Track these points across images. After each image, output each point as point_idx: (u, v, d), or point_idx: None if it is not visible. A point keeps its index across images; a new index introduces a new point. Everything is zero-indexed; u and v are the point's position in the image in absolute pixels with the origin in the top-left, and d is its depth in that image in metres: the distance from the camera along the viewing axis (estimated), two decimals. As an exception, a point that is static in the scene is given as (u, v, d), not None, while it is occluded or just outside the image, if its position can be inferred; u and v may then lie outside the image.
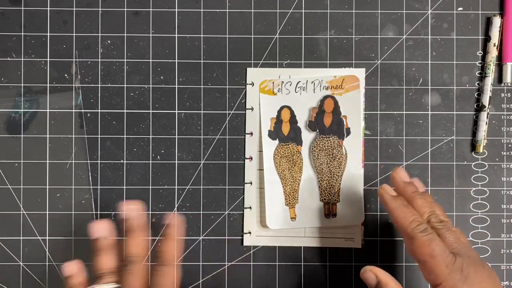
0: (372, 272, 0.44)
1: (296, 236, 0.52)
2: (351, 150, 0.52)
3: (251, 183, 0.52)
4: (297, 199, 0.52)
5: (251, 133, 0.52)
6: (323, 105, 0.52)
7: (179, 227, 0.46)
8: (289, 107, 0.52)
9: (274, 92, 0.52)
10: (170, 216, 0.47)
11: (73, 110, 0.52)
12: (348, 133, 0.52)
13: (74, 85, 0.52)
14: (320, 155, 0.52)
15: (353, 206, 0.52)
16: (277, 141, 0.52)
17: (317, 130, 0.52)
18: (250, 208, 0.52)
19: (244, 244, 0.52)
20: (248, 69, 0.52)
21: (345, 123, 0.52)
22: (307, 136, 0.52)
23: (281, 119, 0.52)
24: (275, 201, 0.52)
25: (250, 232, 0.52)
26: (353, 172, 0.52)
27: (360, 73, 0.51)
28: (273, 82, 0.52)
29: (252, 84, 0.52)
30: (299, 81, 0.51)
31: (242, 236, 0.52)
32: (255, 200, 0.52)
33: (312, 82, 0.51)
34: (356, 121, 0.52)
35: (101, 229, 0.46)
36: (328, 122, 0.52)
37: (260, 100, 0.52)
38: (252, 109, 0.52)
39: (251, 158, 0.52)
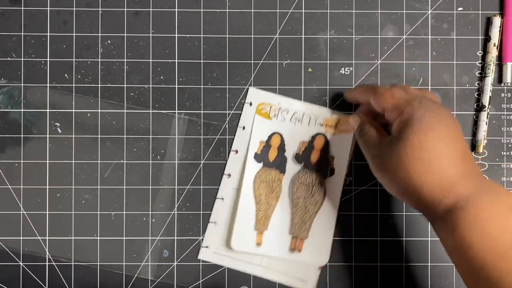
0: (357, 115, 0.48)
1: (253, 264, 0.51)
2: (330, 191, 0.51)
3: (223, 199, 0.51)
4: (267, 226, 0.51)
5: (236, 151, 0.52)
6: (313, 141, 0.51)
7: None
8: (280, 135, 0.51)
9: (270, 116, 0.51)
10: None
11: (73, 110, 0.52)
12: (332, 173, 0.51)
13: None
14: (300, 189, 0.51)
15: (320, 246, 0.51)
16: (261, 165, 0.51)
17: (303, 164, 0.51)
18: (215, 223, 0.51)
19: (199, 257, 0.52)
20: (250, 88, 0.52)
21: (331, 163, 0.51)
22: (292, 167, 0.51)
23: (270, 144, 0.51)
24: (245, 223, 0.51)
25: (207, 247, 0.51)
26: (328, 213, 0.51)
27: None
28: (271, 107, 0.51)
29: (250, 103, 0.52)
30: (296, 112, 0.51)
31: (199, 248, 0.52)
32: (222, 217, 0.51)
33: (309, 115, 0.51)
34: (341, 165, 0.51)
35: None
36: (315, 159, 0.51)
37: (254, 121, 0.52)
38: (244, 128, 0.52)
39: (229, 175, 0.51)
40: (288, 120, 0.51)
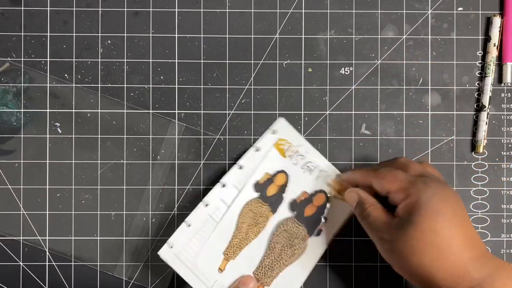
0: (354, 192, 0.46)
1: (205, 285, 0.48)
2: (310, 250, 0.49)
3: (207, 205, 0.49)
4: (235, 256, 0.49)
5: (241, 167, 0.50)
6: (314, 195, 0.50)
7: None
8: (287, 176, 0.50)
9: (285, 154, 0.50)
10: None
11: (73, 110, 0.52)
12: (318, 234, 0.50)
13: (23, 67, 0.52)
14: (282, 235, 0.49)
15: None
16: (257, 195, 0.50)
17: (295, 212, 0.50)
18: (190, 225, 0.49)
19: (159, 252, 0.48)
20: (280, 118, 0.51)
21: (321, 224, 0.50)
22: (283, 211, 0.50)
23: (273, 180, 0.50)
24: (217, 242, 0.49)
25: (172, 247, 0.48)
26: (300, 270, 0.49)
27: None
28: (289, 146, 0.50)
29: (273, 132, 0.51)
30: (310, 162, 0.50)
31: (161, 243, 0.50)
32: (198, 222, 0.49)
33: (320, 170, 0.50)
34: (331, 229, 0.50)
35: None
36: (309, 213, 0.50)
37: (270, 152, 0.50)
38: (257, 150, 0.50)
39: (224, 185, 0.50)
40: (300, 165, 0.50)
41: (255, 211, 0.50)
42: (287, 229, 0.50)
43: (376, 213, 0.44)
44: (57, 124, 0.52)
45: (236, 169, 0.50)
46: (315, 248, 0.50)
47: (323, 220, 0.50)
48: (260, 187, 0.50)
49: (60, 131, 0.52)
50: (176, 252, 0.48)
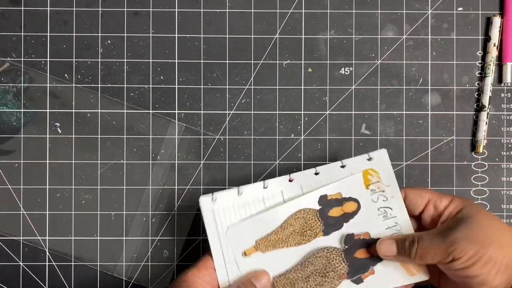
0: (391, 239, 0.44)
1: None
2: None
3: (265, 188, 0.46)
4: (263, 251, 0.45)
5: (317, 173, 0.46)
6: (374, 242, 0.45)
7: None
8: (359, 207, 0.46)
9: (368, 187, 0.46)
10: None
11: (73, 110, 0.52)
12: (357, 282, 0.45)
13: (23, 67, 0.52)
14: (320, 260, 0.45)
15: None
16: (317, 208, 0.46)
17: (346, 247, 0.45)
18: (240, 194, 0.45)
19: (200, 198, 0.45)
20: (383, 149, 0.47)
21: (366, 273, 0.45)
22: (335, 239, 0.45)
23: (342, 203, 0.46)
24: (255, 228, 0.45)
25: (214, 201, 0.45)
26: None
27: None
28: (378, 181, 0.46)
29: (370, 158, 0.46)
30: (390, 208, 0.46)
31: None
32: (250, 197, 0.46)
33: (396, 223, 0.46)
34: (374, 283, 0.45)
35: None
36: (359, 256, 0.45)
37: (354, 177, 0.46)
38: (342, 166, 0.47)
39: (290, 180, 0.46)
40: (377, 206, 0.46)
41: (307, 221, 0.46)
42: (328, 258, 0.45)
43: (419, 235, 0.42)
44: (57, 124, 0.52)
45: (310, 172, 0.46)
46: None
47: (370, 270, 0.45)
48: (325, 202, 0.46)
49: (60, 131, 0.52)
50: (215, 209, 0.45)
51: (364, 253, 0.45)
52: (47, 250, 0.52)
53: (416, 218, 0.47)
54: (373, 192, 0.46)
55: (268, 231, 0.45)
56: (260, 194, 0.46)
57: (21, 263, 0.52)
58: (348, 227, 0.46)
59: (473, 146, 0.53)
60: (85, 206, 0.52)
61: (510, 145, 0.53)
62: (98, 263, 0.52)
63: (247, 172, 0.52)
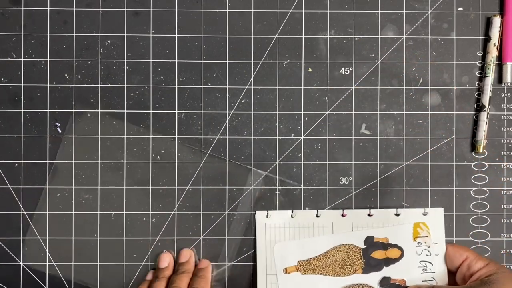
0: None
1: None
2: None
3: (318, 216, 0.49)
4: (304, 273, 0.48)
5: (370, 214, 0.49)
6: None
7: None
8: (402, 256, 0.48)
9: (416, 238, 0.49)
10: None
11: (73, 110, 0.52)
12: None
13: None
14: None
15: None
16: (362, 246, 0.48)
17: (379, 287, 0.48)
18: (293, 217, 0.49)
19: (256, 212, 0.50)
20: (439, 208, 0.51)
21: None
22: (372, 280, 0.48)
23: (387, 248, 0.48)
24: (301, 250, 0.48)
25: (269, 217, 0.50)
26: None
27: None
28: (427, 236, 0.49)
29: (425, 213, 0.50)
30: (432, 264, 0.48)
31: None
32: (301, 221, 0.49)
33: (432, 278, 0.48)
34: None
35: (166, 260, 0.51)
36: None
37: (405, 225, 0.49)
38: (397, 215, 0.50)
39: (343, 215, 0.49)
40: (419, 259, 0.48)
41: (350, 256, 0.48)
42: None
43: None
44: (57, 124, 0.52)
45: (364, 212, 0.50)
46: None
47: None
48: (370, 243, 0.49)
49: (60, 131, 0.52)
50: (267, 223, 0.49)
51: None
52: (47, 250, 0.52)
53: (450, 273, 0.49)
54: (419, 245, 0.49)
55: (311, 255, 0.49)
56: (312, 221, 0.49)
57: (21, 263, 0.52)
58: (387, 271, 0.48)
59: (473, 146, 0.53)
60: (85, 206, 0.52)
61: (510, 145, 0.53)
62: (98, 263, 0.52)
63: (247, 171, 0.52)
